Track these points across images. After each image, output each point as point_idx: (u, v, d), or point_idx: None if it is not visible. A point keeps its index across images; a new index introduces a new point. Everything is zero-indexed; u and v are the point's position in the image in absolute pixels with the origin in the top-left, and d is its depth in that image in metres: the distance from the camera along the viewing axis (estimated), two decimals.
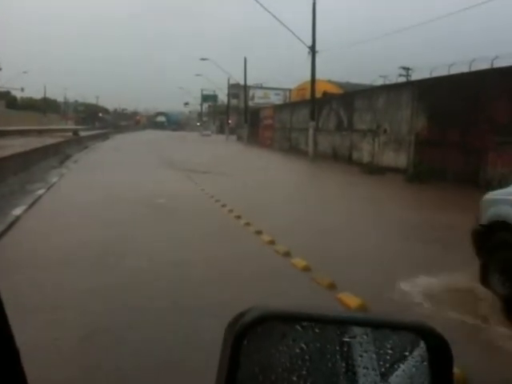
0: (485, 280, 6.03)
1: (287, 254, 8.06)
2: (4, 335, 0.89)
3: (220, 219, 11.42)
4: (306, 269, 7.25)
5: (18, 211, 11.11)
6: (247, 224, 10.58)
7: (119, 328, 5.01)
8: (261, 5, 29.23)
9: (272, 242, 8.88)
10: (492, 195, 6.49)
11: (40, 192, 14.33)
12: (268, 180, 20.20)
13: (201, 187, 16.62)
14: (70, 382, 3.98)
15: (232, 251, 8.38)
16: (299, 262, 7.57)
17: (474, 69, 22.74)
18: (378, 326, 0.99)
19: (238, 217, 11.37)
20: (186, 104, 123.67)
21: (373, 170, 25.12)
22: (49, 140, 33.37)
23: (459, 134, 20.80)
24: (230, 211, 12.12)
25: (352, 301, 5.92)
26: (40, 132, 47.27)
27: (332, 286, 6.46)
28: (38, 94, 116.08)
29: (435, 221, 11.51)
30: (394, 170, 24.44)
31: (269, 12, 29.15)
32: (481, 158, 19.48)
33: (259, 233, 9.69)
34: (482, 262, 6.13)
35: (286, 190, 17.56)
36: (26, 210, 11.38)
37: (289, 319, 0.96)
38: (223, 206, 13.00)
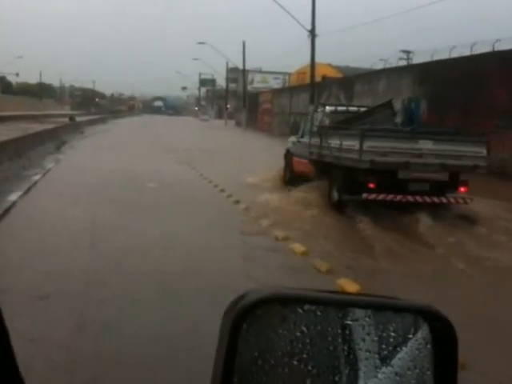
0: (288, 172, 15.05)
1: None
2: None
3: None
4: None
5: (13, 197, 11.06)
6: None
7: None
8: None
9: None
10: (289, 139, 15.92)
11: (36, 178, 14.30)
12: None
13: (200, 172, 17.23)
14: None
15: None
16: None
17: (475, 52, 22.67)
18: (381, 309, 0.97)
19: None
20: (184, 88, 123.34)
21: None
22: (44, 126, 33.17)
23: (460, 118, 20.83)
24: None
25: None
26: (35, 117, 46.88)
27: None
28: (33, 79, 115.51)
29: None
30: None
31: None
32: None
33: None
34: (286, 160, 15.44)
35: None
36: (21, 196, 11.32)
37: (289, 302, 0.94)
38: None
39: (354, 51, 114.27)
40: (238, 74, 70.82)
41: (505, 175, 17.69)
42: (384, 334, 0.97)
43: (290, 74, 69.99)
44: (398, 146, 10.43)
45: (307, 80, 35.70)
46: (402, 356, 0.97)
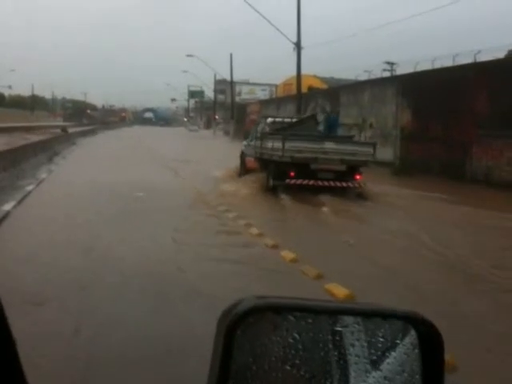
0: (242, 168, 18.88)
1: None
2: (3, 335, 0.88)
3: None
4: None
5: (7, 207, 11.20)
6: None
7: None
8: (246, 2, 29.36)
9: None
10: (243, 143, 19.55)
11: (29, 188, 14.46)
12: None
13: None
14: None
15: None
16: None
17: (457, 63, 23.08)
18: (370, 315, 1.01)
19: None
20: (173, 100, 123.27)
21: None
22: (36, 137, 33.34)
23: (443, 128, 21.07)
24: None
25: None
26: (28, 129, 46.91)
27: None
28: (26, 92, 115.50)
29: None
30: (381, 164, 24.72)
31: (254, 9, 29.28)
32: (465, 151, 19.77)
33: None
34: (241, 159, 19.41)
35: None
36: (15, 206, 11.47)
37: (281, 309, 0.97)
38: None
39: (339, 63, 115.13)
40: (225, 86, 71.15)
41: (490, 183, 18.03)
42: (373, 340, 1.01)
43: (276, 86, 70.49)
44: (310, 146, 14.73)
45: (293, 91, 36.15)
46: (391, 360, 1.01)
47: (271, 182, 15.12)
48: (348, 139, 17.40)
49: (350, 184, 14.45)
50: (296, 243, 8.75)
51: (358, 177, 14.67)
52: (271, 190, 14.86)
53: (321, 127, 17.28)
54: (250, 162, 18.01)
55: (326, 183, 14.23)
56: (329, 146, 14.74)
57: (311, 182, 14.16)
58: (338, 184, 14.30)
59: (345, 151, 14.71)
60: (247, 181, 16.66)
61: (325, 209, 12.55)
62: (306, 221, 11.51)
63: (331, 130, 17.37)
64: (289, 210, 12.75)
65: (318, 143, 14.86)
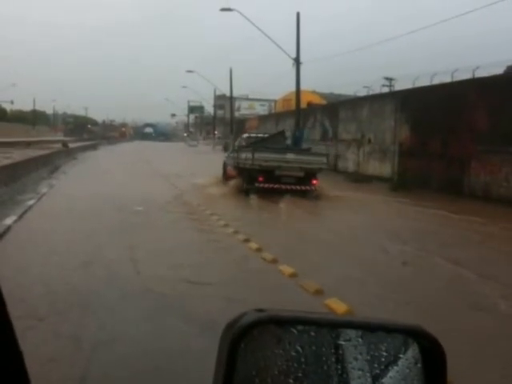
0: (224, 176, 21.89)
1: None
2: (7, 337, 0.88)
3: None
4: None
5: (8, 221, 11.24)
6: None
7: None
8: (246, 18, 29.67)
9: None
10: (225, 155, 23.02)
11: (30, 203, 14.48)
12: None
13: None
14: None
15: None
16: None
17: (456, 79, 23.18)
18: (372, 329, 1.00)
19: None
20: (173, 115, 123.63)
21: (358, 178, 25.49)
22: (36, 152, 33.49)
23: (442, 143, 21.13)
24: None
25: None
26: (29, 144, 47.07)
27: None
28: (27, 107, 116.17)
29: None
30: (380, 179, 24.81)
31: (254, 25, 29.57)
32: (464, 167, 19.85)
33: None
34: (223, 169, 22.66)
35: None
36: (16, 221, 11.50)
37: (284, 323, 0.97)
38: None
39: (339, 78, 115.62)
40: (225, 101, 71.54)
41: (489, 198, 18.11)
42: (376, 354, 1.00)
43: (275, 101, 70.95)
44: (275, 156, 17.89)
45: (292, 106, 36.40)
46: (393, 375, 1.00)
47: (245, 186, 18.29)
48: (306, 151, 20.60)
49: (307, 187, 17.65)
50: (251, 227, 11.95)
51: (314, 182, 17.87)
52: (245, 192, 17.96)
53: (288, 141, 21.95)
54: (230, 170, 21.14)
55: (288, 187, 17.43)
56: (290, 156, 18.08)
57: (276, 186, 17.35)
58: (298, 187, 17.50)
59: (303, 160, 17.98)
60: (228, 186, 19.80)
61: (281, 205, 15.91)
62: (263, 212, 15.11)
63: (296, 144, 22.72)
64: (254, 206, 16.38)
65: (282, 154, 18.11)
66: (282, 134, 22.52)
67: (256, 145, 19.16)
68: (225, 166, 22.58)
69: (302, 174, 17.62)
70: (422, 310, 6.28)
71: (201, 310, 5.99)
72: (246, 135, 22.77)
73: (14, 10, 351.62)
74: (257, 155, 17.58)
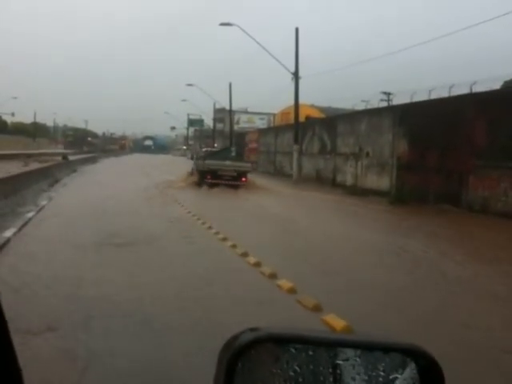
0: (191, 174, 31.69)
1: None
2: (7, 354, 0.89)
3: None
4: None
5: (8, 233, 11.26)
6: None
7: None
8: (246, 33, 29.94)
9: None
10: (193, 161, 34.13)
11: (30, 215, 14.50)
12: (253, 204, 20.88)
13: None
14: None
15: None
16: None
17: (453, 93, 23.34)
18: (370, 349, 1.00)
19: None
20: (173, 128, 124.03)
21: (356, 192, 25.55)
22: (35, 165, 33.63)
23: (440, 158, 21.11)
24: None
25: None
26: (29, 156, 47.20)
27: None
28: (28, 119, 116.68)
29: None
30: (378, 193, 24.85)
31: (254, 40, 29.85)
32: (462, 181, 19.87)
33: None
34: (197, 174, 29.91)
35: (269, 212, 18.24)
36: (15, 233, 11.52)
37: (282, 342, 0.97)
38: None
39: (337, 92, 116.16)
40: (224, 114, 71.76)
41: (487, 213, 18.13)
42: (373, 374, 0.99)
43: (274, 115, 71.20)
44: (218, 162, 26.55)
45: (291, 120, 36.60)
46: None
47: (199, 181, 26.97)
48: (239, 159, 30.18)
49: (239, 183, 26.02)
50: (199, 207, 17.42)
51: (243, 179, 26.38)
52: (199, 185, 26.39)
53: (233, 153, 30.59)
54: (194, 172, 30.08)
55: (226, 181, 25.83)
56: (227, 162, 26.81)
57: (218, 181, 25.81)
58: (233, 182, 25.85)
59: (236, 165, 26.88)
60: (189, 181, 28.57)
61: (218, 190, 24.44)
62: (207, 195, 23.57)
63: (237, 155, 32.06)
64: (205, 195, 23.85)
65: (222, 161, 26.85)
66: (228, 148, 35.04)
67: (206, 155, 29.88)
68: (192, 169, 31.53)
69: (235, 174, 26.21)
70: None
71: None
72: (204, 149, 38.38)
73: (14, 23, 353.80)
74: (207, 162, 26.73)
